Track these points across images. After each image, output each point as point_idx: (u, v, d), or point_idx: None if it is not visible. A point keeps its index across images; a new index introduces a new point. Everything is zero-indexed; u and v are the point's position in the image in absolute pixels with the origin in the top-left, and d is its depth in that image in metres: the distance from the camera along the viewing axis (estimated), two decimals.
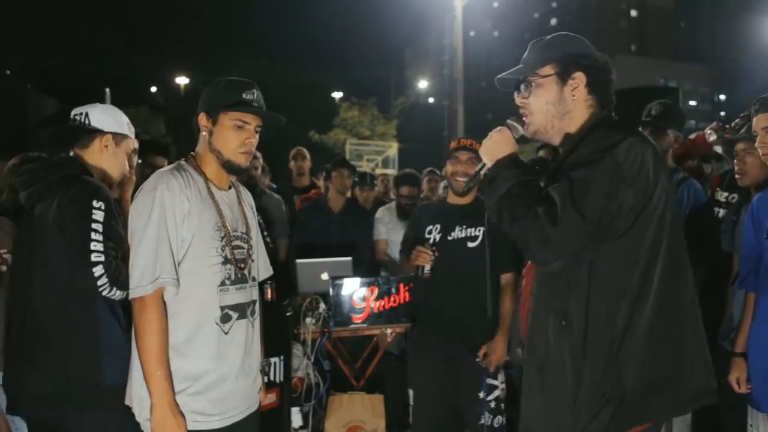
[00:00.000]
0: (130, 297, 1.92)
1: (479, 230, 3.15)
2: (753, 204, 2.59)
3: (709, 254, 2.94)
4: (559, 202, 1.60)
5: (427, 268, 3.13)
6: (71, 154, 2.48)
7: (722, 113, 47.71)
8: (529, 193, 1.67)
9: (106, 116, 2.56)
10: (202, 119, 2.07)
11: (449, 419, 3.17)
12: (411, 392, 3.28)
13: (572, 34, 1.83)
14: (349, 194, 5.15)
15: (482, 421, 3.10)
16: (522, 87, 1.82)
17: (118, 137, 2.55)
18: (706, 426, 3.14)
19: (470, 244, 3.15)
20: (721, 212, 3.24)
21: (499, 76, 1.89)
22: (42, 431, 2.34)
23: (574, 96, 1.77)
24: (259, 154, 4.70)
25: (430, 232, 3.25)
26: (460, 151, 3.15)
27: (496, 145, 1.79)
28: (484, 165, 1.82)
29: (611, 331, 1.65)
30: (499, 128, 1.83)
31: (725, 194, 3.40)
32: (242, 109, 2.03)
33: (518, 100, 1.84)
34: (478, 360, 3.14)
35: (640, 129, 1.81)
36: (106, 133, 2.51)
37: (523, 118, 1.83)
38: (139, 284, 1.88)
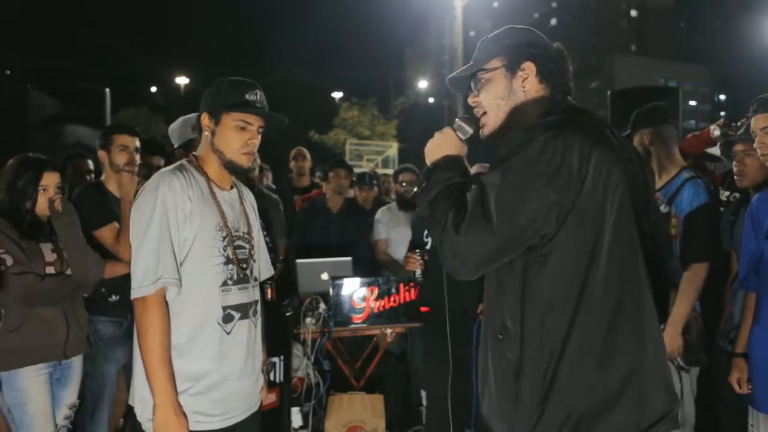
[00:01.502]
0: (132, 297, 1.91)
1: None
2: (752, 204, 2.57)
3: (710, 254, 2.92)
4: (469, 208, 1.45)
5: (418, 272, 3.24)
6: None
7: (722, 113, 47.70)
8: (451, 199, 1.51)
9: (174, 130, 2.96)
10: (204, 119, 2.05)
11: (462, 419, 3.16)
12: (424, 393, 3.30)
13: (520, 26, 1.71)
14: (352, 194, 5.16)
15: None
16: (472, 85, 1.71)
17: (186, 146, 2.83)
18: (707, 426, 3.14)
19: None
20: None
21: (450, 76, 1.79)
22: None
23: (524, 88, 1.63)
24: (257, 155, 4.71)
25: (426, 236, 3.27)
26: None
27: (436, 147, 1.66)
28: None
29: (549, 347, 1.47)
30: (443, 129, 1.70)
31: (727, 193, 3.39)
32: (245, 110, 2.02)
33: (470, 100, 1.72)
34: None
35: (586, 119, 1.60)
36: (177, 147, 2.80)
37: (480, 119, 1.70)
38: (141, 284, 1.88)
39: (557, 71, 1.65)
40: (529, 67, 1.63)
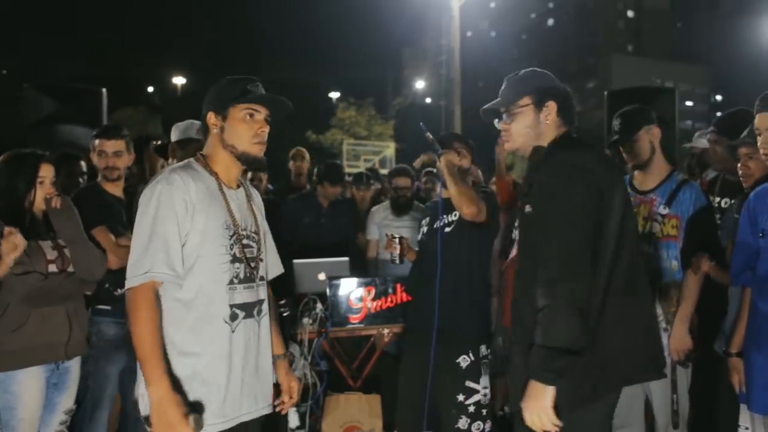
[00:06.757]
0: (125, 288, 1.92)
1: (455, 215, 3.05)
2: (750, 201, 2.56)
3: (713, 253, 2.93)
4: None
5: (395, 254, 3.35)
6: None
7: (718, 114, 47.78)
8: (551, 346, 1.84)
9: (177, 127, 3.39)
10: (211, 118, 2.06)
11: (429, 421, 3.07)
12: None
13: (540, 70, 2.19)
14: (348, 194, 5.20)
15: (459, 425, 3.00)
16: (504, 116, 2.19)
17: (182, 142, 3.29)
18: (702, 422, 3.14)
19: (447, 229, 3.10)
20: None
21: (483, 108, 2.26)
22: None
23: (547, 120, 2.12)
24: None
25: (422, 226, 3.27)
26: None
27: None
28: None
29: None
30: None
31: (717, 199, 3.42)
32: (251, 99, 2.04)
33: (501, 126, 2.21)
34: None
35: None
36: (174, 142, 3.22)
37: (505, 141, 2.21)
38: (128, 276, 1.90)
39: (569, 107, 2.16)
40: (551, 106, 2.12)
